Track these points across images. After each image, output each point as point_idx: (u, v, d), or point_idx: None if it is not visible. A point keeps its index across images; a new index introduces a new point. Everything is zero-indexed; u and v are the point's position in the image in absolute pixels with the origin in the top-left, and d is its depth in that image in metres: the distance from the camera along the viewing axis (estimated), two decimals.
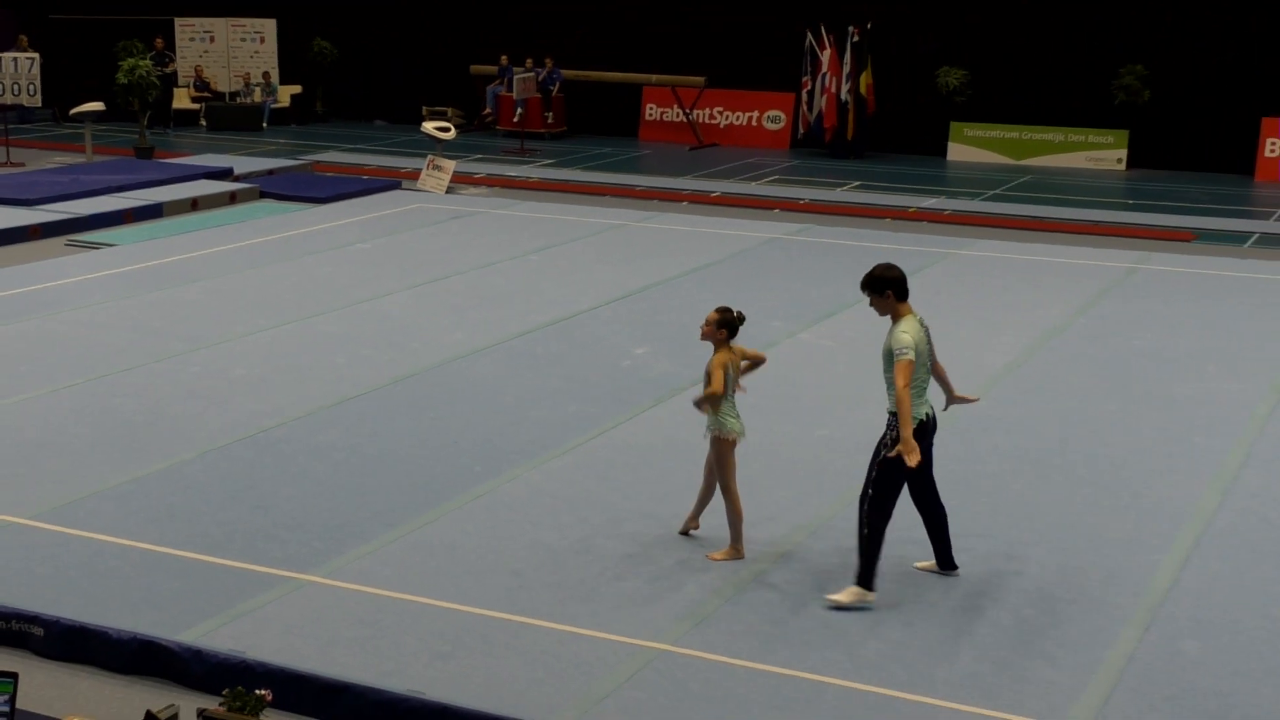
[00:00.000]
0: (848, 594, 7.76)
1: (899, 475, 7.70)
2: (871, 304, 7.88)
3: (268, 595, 7.86)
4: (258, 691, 6.45)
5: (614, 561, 8.40)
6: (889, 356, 7.70)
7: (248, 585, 7.98)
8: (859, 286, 7.91)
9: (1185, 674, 7.15)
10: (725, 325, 8.40)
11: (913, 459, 7.51)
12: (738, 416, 8.38)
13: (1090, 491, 9.68)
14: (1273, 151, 24.82)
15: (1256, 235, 19.38)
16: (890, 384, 7.69)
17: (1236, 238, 19.19)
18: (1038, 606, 7.90)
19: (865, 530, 7.73)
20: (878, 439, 7.85)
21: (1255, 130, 24.84)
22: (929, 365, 7.83)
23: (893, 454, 7.59)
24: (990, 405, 11.49)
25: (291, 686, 6.88)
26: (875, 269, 7.86)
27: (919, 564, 8.23)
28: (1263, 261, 17.39)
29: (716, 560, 8.35)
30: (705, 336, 8.48)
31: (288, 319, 13.94)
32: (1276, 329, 13.99)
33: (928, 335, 7.83)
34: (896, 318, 7.78)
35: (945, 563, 8.24)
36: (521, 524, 8.96)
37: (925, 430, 7.79)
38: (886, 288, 7.77)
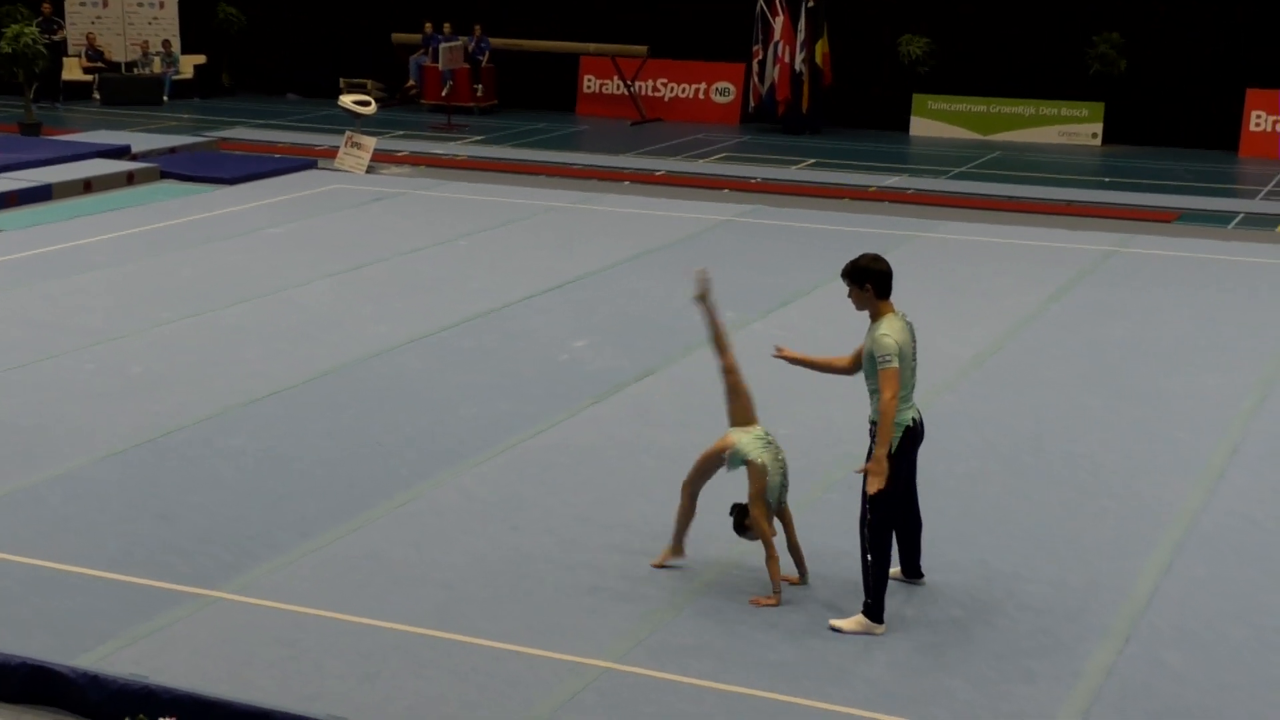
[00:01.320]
0: (853, 623, 7.73)
1: (891, 486, 7.71)
2: (850, 295, 7.84)
3: (173, 614, 7.79)
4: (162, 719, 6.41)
5: (552, 572, 8.39)
6: (870, 360, 7.66)
7: (151, 603, 7.91)
8: (840, 275, 7.86)
9: (1168, 687, 7.23)
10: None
11: (875, 485, 7.53)
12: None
13: (1067, 493, 9.76)
14: (1258, 125, 25.13)
15: (1241, 215, 19.62)
16: (874, 392, 7.69)
17: (1220, 218, 19.42)
18: (1012, 618, 7.96)
19: (869, 556, 7.70)
20: (865, 449, 7.83)
21: (1239, 102, 25.14)
22: (913, 368, 7.78)
23: (857, 470, 7.61)
24: (960, 400, 11.58)
25: (200, 714, 6.83)
26: (861, 258, 7.80)
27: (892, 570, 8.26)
28: (1248, 244, 17.61)
29: (657, 565, 8.39)
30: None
31: (192, 311, 13.84)
32: (1263, 317, 14.18)
33: (913, 336, 7.79)
34: (876, 316, 7.73)
35: (911, 570, 8.28)
36: (452, 532, 8.93)
37: (913, 438, 7.79)
38: (867, 280, 7.70)
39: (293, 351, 12.61)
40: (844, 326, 13.36)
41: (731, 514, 8.28)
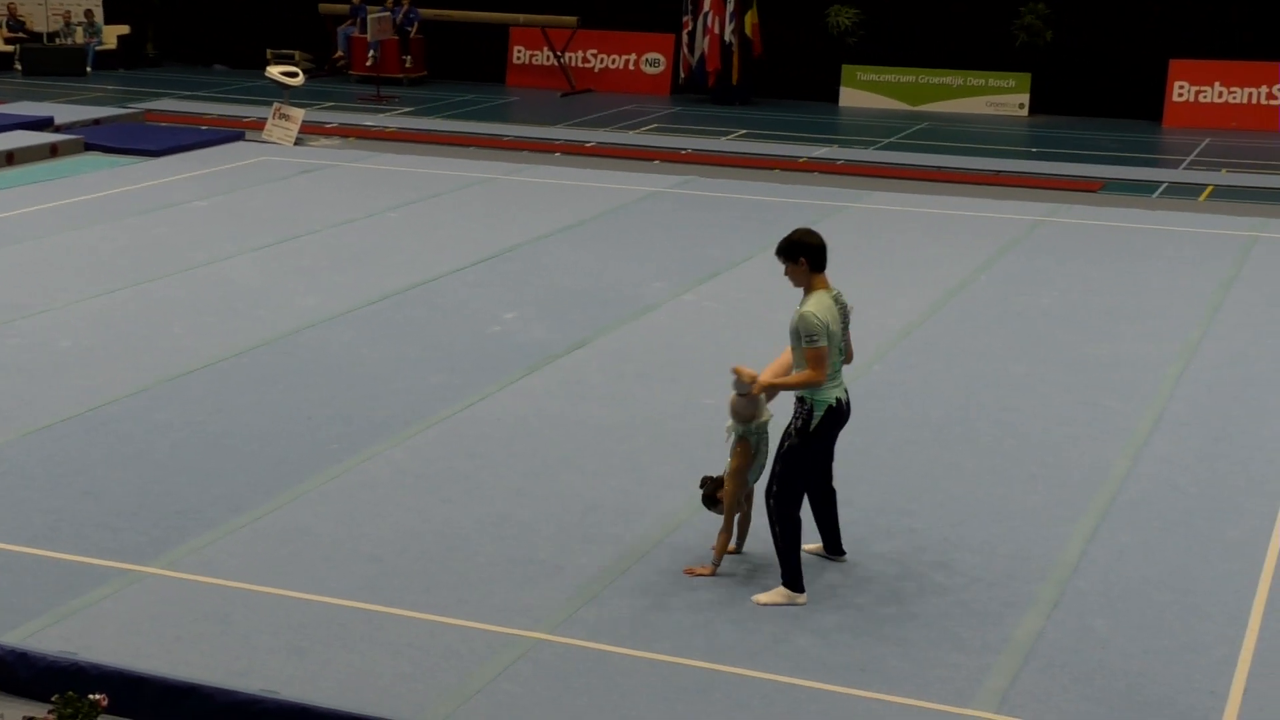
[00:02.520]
0: (775, 594, 7.76)
1: (805, 463, 7.73)
2: (785, 273, 7.79)
3: (101, 590, 7.73)
4: (91, 696, 6.36)
5: (484, 545, 8.38)
6: (795, 336, 7.61)
7: (78, 580, 7.84)
8: (775, 252, 7.80)
9: (1095, 653, 7.32)
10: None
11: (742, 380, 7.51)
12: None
13: (995, 461, 9.85)
14: (1181, 95, 25.38)
15: (1165, 185, 19.82)
16: (798, 366, 7.67)
17: (1145, 187, 19.61)
18: (942, 585, 8.03)
19: (777, 528, 7.73)
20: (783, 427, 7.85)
21: (1163, 73, 25.37)
22: (841, 347, 7.75)
23: (731, 370, 7.54)
24: (889, 370, 11.65)
25: (130, 690, 6.78)
26: (794, 233, 7.74)
27: (808, 546, 8.29)
28: (1172, 213, 17.79)
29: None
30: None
31: (118, 285, 13.69)
32: (1188, 285, 14.34)
33: (843, 314, 7.76)
34: (809, 291, 7.69)
35: (834, 548, 8.31)
36: (382, 506, 8.90)
37: (836, 418, 7.75)
38: (800, 254, 7.65)
39: (221, 326, 12.50)
40: (774, 298, 13.40)
41: (702, 487, 8.19)
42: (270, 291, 13.60)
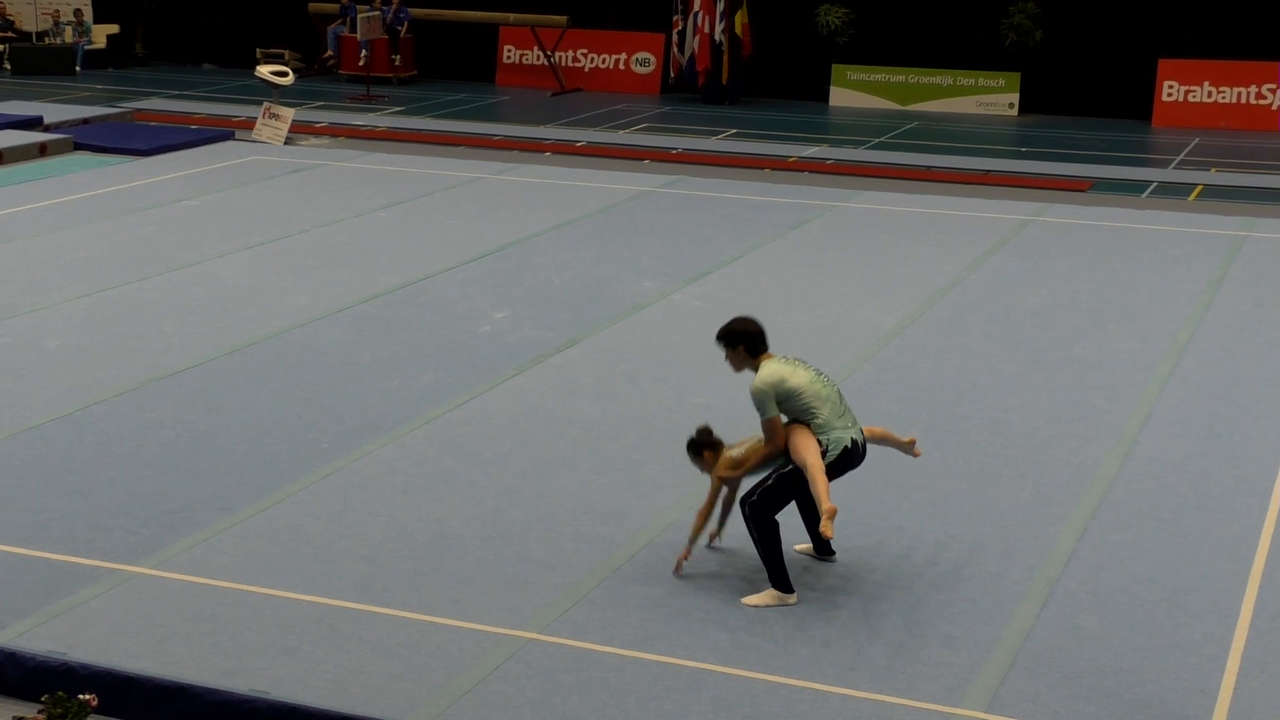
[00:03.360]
0: (765, 596, 7.76)
1: (800, 490, 7.76)
2: (726, 359, 7.98)
3: (91, 590, 7.71)
4: (81, 696, 6.35)
5: (475, 544, 8.38)
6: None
7: (68, 579, 7.83)
8: (715, 338, 7.97)
9: (1084, 651, 7.33)
10: (704, 448, 8.08)
11: (830, 524, 7.56)
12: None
13: (984, 459, 9.86)
14: (1170, 95, 25.42)
15: (1155, 184, 19.85)
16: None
17: (1134, 187, 19.64)
18: (931, 584, 8.04)
19: (755, 534, 7.75)
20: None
21: (1152, 72, 25.42)
22: (829, 386, 7.80)
23: (822, 527, 7.57)
24: (879, 368, 11.65)
25: (120, 690, 6.78)
26: (732, 322, 7.94)
27: (798, 546, 8.30)
28: (1161, 212, 17.82)
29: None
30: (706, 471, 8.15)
31: (108, 284, 13.67)
32: (1176, 284, 14.36)
33: (803, 365, 7.84)
34: (755, 370, 7.82)
35: (824, 549, 8.30)
36: (373, 505, 8.90)
37: (849, 459, 7.77)
38: (739, 342, 7.85)
39: (211, 325, 12.49)
40: (764, 297, 13.42)
41: (698, 436, 8.07)
42: (260, 291, 13.58)
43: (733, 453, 8.01)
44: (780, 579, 7.76)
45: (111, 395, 10.72)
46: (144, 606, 7.55)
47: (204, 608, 7.55)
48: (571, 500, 8.97)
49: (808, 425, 7.70)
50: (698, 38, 26.40)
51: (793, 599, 7.76)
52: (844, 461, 7.76)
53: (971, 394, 11.13)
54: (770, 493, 7.73)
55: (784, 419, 7.74)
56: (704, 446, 8.06)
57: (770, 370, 7.74)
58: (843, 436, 7.74)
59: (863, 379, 11.35)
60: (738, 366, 7.97)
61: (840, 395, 7.88)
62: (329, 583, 7.85)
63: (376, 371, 11.37)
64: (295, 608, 7.57)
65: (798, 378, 7.72)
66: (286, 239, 15.59)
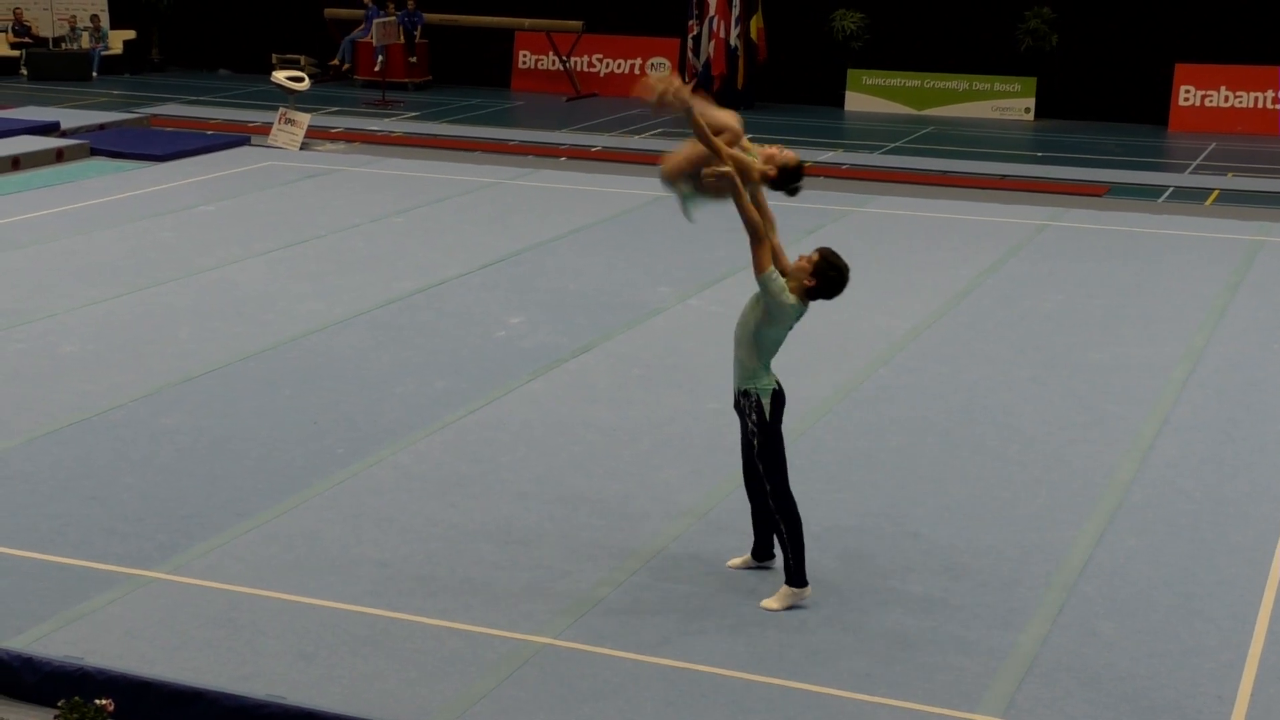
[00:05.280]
0: (781, 596, 7.75)
1: (778, 449, 7.74)
2: (807, 257, 7.69)
3: (107, 595, 7.73)
4: (98, 701, 6.36)
5: (490, 550, 8.39)
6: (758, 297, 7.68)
7: (84, 584, 7.85)
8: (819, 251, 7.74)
9: (1101, 657, 7.31)
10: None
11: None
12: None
13: (1000, 465, 9.85)
14: (1187, 100, 25.37)
15: (1171, 189, 19.81)
16: (738, 361, 7.75)
17: (1150, 192, 19.60)
18: (947, 589, 8.03)
19: (782, 525, 7.75)
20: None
21: (1169, 77, 25.36)
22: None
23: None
24: (894, 373, 11.65)
25: (136, 695, 6.79)
26: (840, 262, 7.68)
27: (732, 562, 8.24)
28: (1178, 217, 17.78)
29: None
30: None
31: (124, 290, 13.70)
32: (1192, 289, 14.33)
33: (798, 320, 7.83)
34: (794, 286, 7.69)
35: (765, 553, 8.21)
36: (389, 510, 8.91)
37: (782, 399, 7.78)
38: (820, 278, 7.66)
39: (227, 330, 12.51)
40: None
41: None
42: (276, 296, 13.60)
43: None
44: (801, 574, 7.74)
45: (127, 400, 10.74)
46: (160, 612, 7.57)
47: (220, 613, 7.56)
48: (586, 505, 8.97)
49: (762, 349, 7.67)
50: (713, 43, 26.39)
51: (808, 591, 7.76)
52: (777, 405, 7.72)
53: (986, 399, 11.11)
54: (771, 472, 7.69)
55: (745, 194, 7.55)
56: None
57: (793, 303, 7.62)
58: (769, 383, 7.70)
59: (877, 384, 11.34)
60: (796, 274, 7.62)
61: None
62: (345, 588, 7.86)
63: (392, 377, 11.39)
64: (311, 613, 7.58)
65: (786, 326, 7.72)
66: (302, 244, 15.62)
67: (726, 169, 7.59)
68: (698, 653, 7.26)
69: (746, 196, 7.62)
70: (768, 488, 7.75)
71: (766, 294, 7.63)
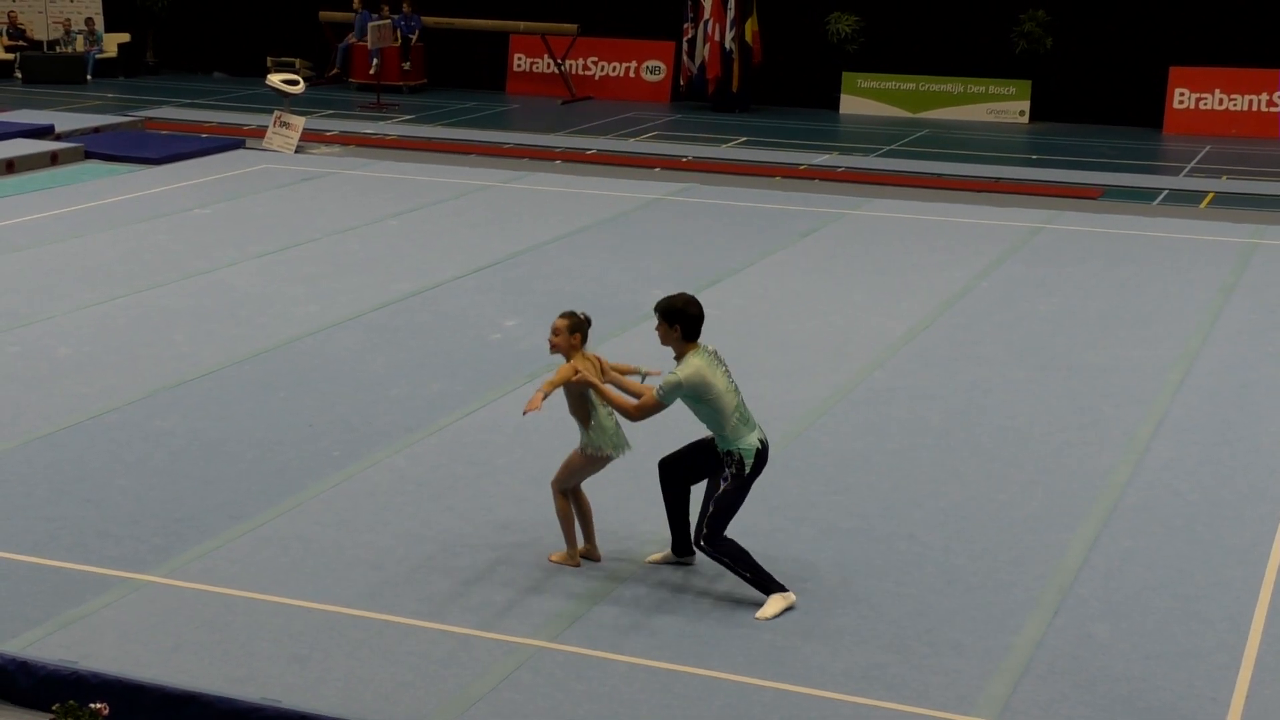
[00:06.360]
0: (771, 605, 7.74)
1: (736, 508, 7.77)
2: (657, 328, 7.82)
3: (102, 598, 7.72)
4: (92, 705, 6.35)
5: (485, 552, 8.38)
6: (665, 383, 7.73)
7: (79, 588, 7.83)
8: (653, 309, 7.85)
9: (1096, 659, 7.31)
10: (577, 329, 8.06)
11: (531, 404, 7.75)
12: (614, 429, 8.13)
13: (996, 466, 9.85)
14: (1181, 103, 25.39)
15: (1166, 192, 19.82)
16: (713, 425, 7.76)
17: (1145, 194, 19.61)
18: (942, 591, 8.02)
19: (724, 561, 7.75)
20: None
21: (1163, 80, 25.38)
22: (736, 392, 7.78)
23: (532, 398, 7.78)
24: (890, 376, 11.64)
25: (130, 698, 6.77)
26: (676, 297, 7.80)
27: (652, 557, 8.28)
28: (1172, 219, 17.80)
29: (554, 561, 8.25)
30: (557, 348, 8.14)
31: (119, 293, 13.69)
32: (1187, 291, 14.34)
33: (720, 362, 7.79)
34: (679, 357, 7.75)
35: (683, 549, 8.22)
36: (384, 513, 8.90)
37: (763, 459, 7.80)
38: (678, 321, 7.72)
39: (222, 333, 12.50)
40: (775, 305, 13.42)
41: (585, 317, 8.12)
42: (271, 299, 13.59)
43: (608, 366, 8.05)
44: (770, 584, 7.75)
45: (122, 403, 10.73)
46: (154, 615, 7.55)
47: (214, 616, 7.55)
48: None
49: (722, 414, 7.68)
50: (708, 45, 26.41)
51: (792, 598, 7.77)
52: (758, 464, 7.77)
53: (982, 401, 11.11)
54: (715, 521, 7.72)
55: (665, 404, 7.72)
56: (586, 326, 8.05)
57: (696, 369, 7.64)
58: (752, 442, 7.74)
59: (873, 386, 11.34)
60: (665, 342, 7.80)
61: (741, 399, 7.82)
62: (339, 591, 7.85)
63: (387, 379, 11.38)
64: (306, 616, 7.57)
65: (718, 382, 7.69)
66: (297, 247, 15.61)
67: (561, 378, 8.00)
68: (693, 656, 7.25)
69: (603, 386, 7.93)
70: (705, 529, 7.72)
71: (682, 394, 7.68)
